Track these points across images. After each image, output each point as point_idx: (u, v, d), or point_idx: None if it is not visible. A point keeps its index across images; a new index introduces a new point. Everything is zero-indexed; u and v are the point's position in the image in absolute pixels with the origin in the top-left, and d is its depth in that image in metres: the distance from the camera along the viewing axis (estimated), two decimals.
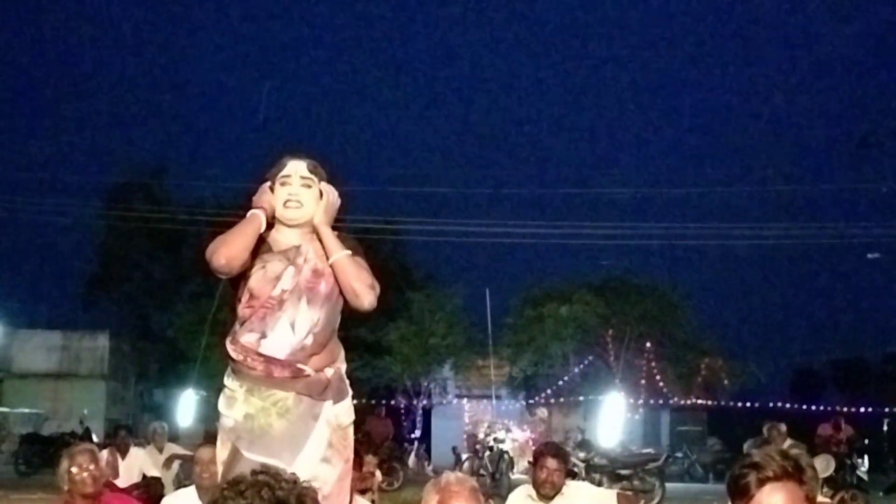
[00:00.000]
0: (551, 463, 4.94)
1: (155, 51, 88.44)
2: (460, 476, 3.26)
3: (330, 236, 3.27)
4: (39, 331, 27.30)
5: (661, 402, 24.94)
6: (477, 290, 23.34)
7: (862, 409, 24.87)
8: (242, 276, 3.22)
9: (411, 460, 20.45)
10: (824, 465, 9.03)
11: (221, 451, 3.21)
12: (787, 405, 25.94)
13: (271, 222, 3.27)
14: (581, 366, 24.68)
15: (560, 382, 24.55)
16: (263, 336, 3.16)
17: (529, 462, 4.86)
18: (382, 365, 23.79)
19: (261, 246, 3.23)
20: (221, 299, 20.85)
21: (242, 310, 3.23)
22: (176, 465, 9.07)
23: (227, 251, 3.12)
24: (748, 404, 24.95)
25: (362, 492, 7.50)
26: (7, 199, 26.89)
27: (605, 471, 14.17)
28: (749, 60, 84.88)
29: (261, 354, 3.15)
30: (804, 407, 25.63)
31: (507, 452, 18.05)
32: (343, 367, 3.36)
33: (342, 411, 3.26)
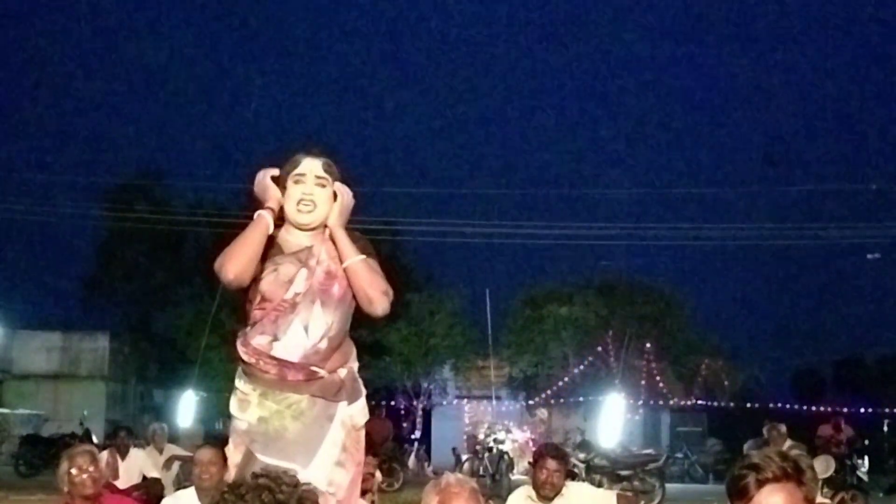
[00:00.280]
0: (551, 464, 4.93)
1: (155, 51, 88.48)
2: (460, 477, 3.26)
3: (344, 240, 3.20)
4: (39, 332, 27.30)
5: (661, 402, 24.95)
6: (477, 290, 23.43)
7: (862, 410, 24.87)
8: (253, 278, 3.15)
9: (411, 461, 20.45)
10: (824, 466, 9.03)
11: (234, 454, 3.17)
12: (788, 406, 25.94)
13: (280, 217, 3.20)
14: (581, 366, 24.68)
15: (560, 383, 24.56)
16: (276, 339, 3.11)
17: (529, 463, 4.86)
18: (382, 366, 23.79)
19: (271, 246, 3.17)
20: (221, 300, 20.89)
21: (253, 311, 3.17)
22: (176, 466, 9.05)
23: (234, 267, 3.06)
24: (748, 405, 24.96)
25: (362, 493, 7.50)
26: (7, 200, 26.89)
27: (605, 471, 14.18)
28: (749, 60, 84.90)
29: (273, 358, 3.11)
30: (804, 407, 25.64)
31: (506, 453, 18.06)
32: (356, 365, 3.32)
33: (357, 411, 3.24)
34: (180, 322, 25.10)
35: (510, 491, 5.62)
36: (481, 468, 17.17)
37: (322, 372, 3.14)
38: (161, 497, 6.06)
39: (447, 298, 24.55)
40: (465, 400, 26.00)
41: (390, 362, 23.91)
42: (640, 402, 24.34)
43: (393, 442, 19.57)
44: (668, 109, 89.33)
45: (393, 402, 24.73)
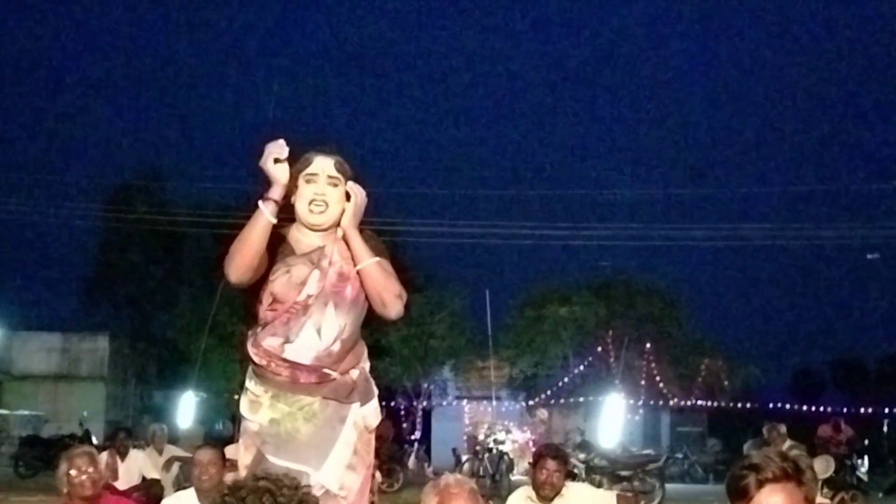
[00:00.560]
0: (551, 464, 4.93)
1: (155, 51, 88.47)
2: (459, 478, 3.25)
3: (358, 241, 3.15)
4: (39, 333, 27.30)
5: (660, 403, 24.95)
6: (477, 291, 23.41)
7: (862, 410, 24.88)
8: (263, 278, 3.10)
9: (411, 462, 20.44)
10: (824, 466, 9.04)
11: (244, 455, 3.14)
12: (787, 406, 25.94)
13: (287, 202, 3.10)
14: (581, 367, 24.67)
15: (560, 383, 24.55)
16: (287, 341, 3.07)
17: (529, 463, 4.85)
18: (382, 366, 23.77)
19: (282, 245, 3.13)
20: (221, 301, 20.89)
21: (264, 312, 3.12)
22: (175, 466, 9.04)
23: (237, 269, 3.02)
24: (748, 405, 24.96)
25: None
26: (6, 201, 26.88)
27: (605, 472, 14.19)
28: (747, 61, 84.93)
29: (285, 360, 3.07)
30: (804, 408, 25.65)
31: (506, 454, 18.05)
32: (367, 365, 3.30)
33: (370, 412, 3.23)
34: (180, 323, 25.08)
35: (510, 491, 5.62)
36: (481, 469, 17.17)
37: (334, 374, 3.12)
38: (160, 498, 6.06)
39: (447, 299, 24.54)
40: (465, 400, 26.00)
41: (390, 363, 23.91)
42: (640, 403, 24.34)
43: (393, 442, 19.57)
44: (667, 109, 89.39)
45: (393, 403, 24.71)
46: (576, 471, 13.29)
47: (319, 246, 3.15)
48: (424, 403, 25.06)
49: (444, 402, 25.82)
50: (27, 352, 26.56)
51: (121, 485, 8.22)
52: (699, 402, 25.07)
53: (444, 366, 25.16)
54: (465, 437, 24.40)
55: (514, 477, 17.39)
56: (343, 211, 3.16)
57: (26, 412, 24.07)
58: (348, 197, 3.17)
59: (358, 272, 3.15)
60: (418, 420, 24.52)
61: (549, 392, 24.54)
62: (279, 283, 3.09)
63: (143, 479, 8.75)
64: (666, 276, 27.89)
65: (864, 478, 15.87)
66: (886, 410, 26.58)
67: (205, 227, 27.43)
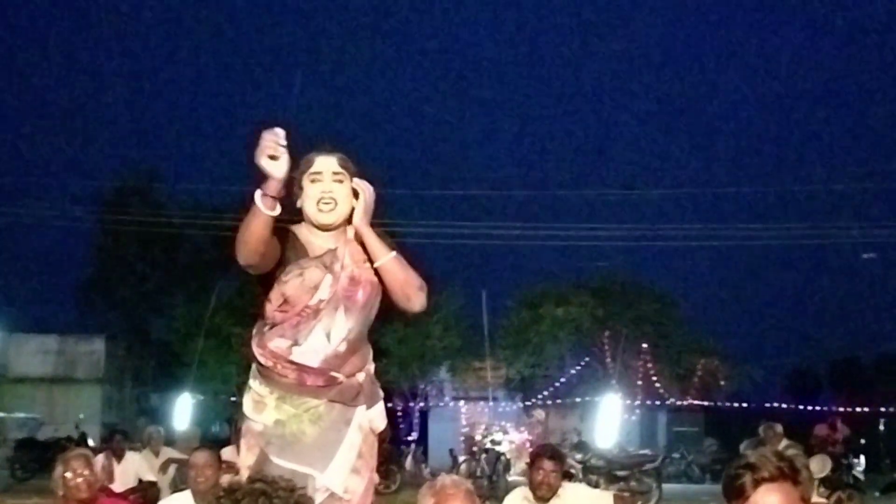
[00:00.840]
0: (548, 465, 4.94)
1: (151, 53, 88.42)
2: (455, 478, 3.25)
3: (373, 238, 3.13)
4: (35, 335, 27.25)
5: (657, 402, 24.97)
6: (473, 291, 23.34)
7: (858, 410, 24.93)
8: (273, 277, 3.07)
9: (408, 463, 20.42)
10: (821, 466, 9.03)
11: (247, 456, 3.11)
12: (784, 405, 25.98)
13: (288, 191, 3.02)
14: (578, 367, 24.69)
15: (557, 384, 24.56)
16: (296, 343, 3.05)
17: (526, 464, 4.84)
18: (379, 367, 23.53)
19: (294, 243, 3.09)
20: (217, 303, 20.88)
21: (273, 312, 3.09)
22: (172, 469, 9.03)
23: (242, 255, 2.94)
24: (744, 405, 24.99)
25: None
26: (2, 203, 26.86)
27: (601, 472, 14.20)
28: (743, 62, 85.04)
29: (292, 362, 3.05)
30: (800, 407, 25.69)
31: (503, 454, 18.06)
32: (372, 367, 3.30)
33: (376, 415, 3.21)
34: (176, 325, 25.06)
35: (507, 492, 5.62)
36: (478, 469, 17.17)
37: (341, 377, 3.10)
38: (157, 500, 6.05)
39: (444, 300, 24.51)
40: (462, 401, 25.99)
41: (387, 364, 23.89)
42: (637, 403, 24.36)
43: (389, 443, 19.55)
44: (660, 111, 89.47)
45: (390, 404, 24.59)
46: (573, 471, 13.28)
47: (331, 248, 3.12)
48: (421, 404, 25.05)
49: (441, 403, 25.82)
50: (23, 354, 26.50)
51: (117, 487, 8.20)
52: (696, 402, 25.10)
53: (440, 366, 25.15)
54: (462, 438, 24.39)
55: (511, 477, 17.39)
56: (352, 208, 3.14)
57: (22, 415, 24.01)
58: (356, 195, 3.14)
59: (376, 269, 3.13)
60: (415, 421, 24.51)
61: (545, 392, 24.55)
62: (291, 285, 3.05)
63: (140, 481, 8.74)
64: (662, 276, 28.03)
65: (861, 477, 15.89)
66: (883, 410, 26.62)
67: (201, 230, 27.42)
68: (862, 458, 17.06)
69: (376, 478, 3.36)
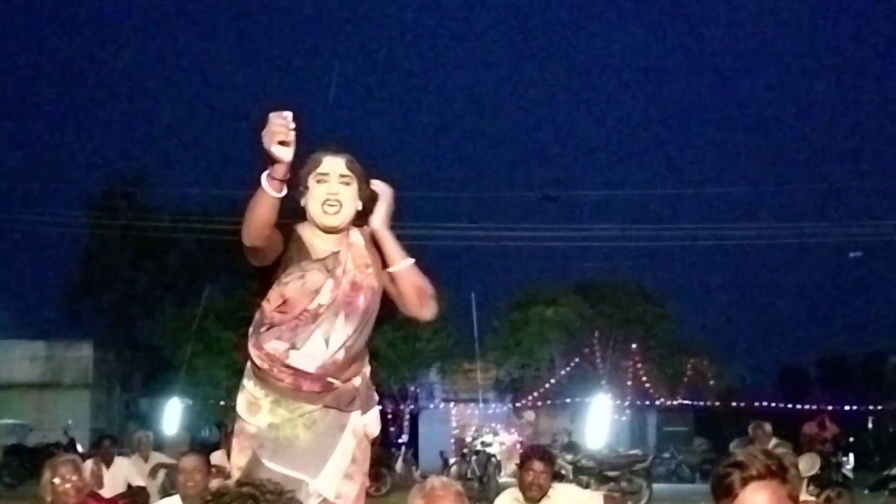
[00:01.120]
0: (538, 466, 4.94)
1: (138, 56, 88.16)
2: (445, 480, 3.25)
3: (392, 242, 3.10)
4: (22, 341, 27.07)
5: (647, 403, 25.02)
6: (463, 293, 23.33)
7: (847, 408, 25.01)
8: (272, 274, 3.03)
9: (399, 465, 20.40)
10: (810, 464, 9.07)
11: (239, 457, 3.09)
12: (773, 404, 26.04)
13: (294, 177, 2.97)
14: (567, 368, 24.71)
15: (547, 385, 24.57)
16: (293, 347, 3.01)
17: (517, 465, 4.84)
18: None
19: (297, 243, 3.06)
20: (206, 307, 20.80)
21: (271, 312, 3.05)
22: (161, 474, 9.01)
23: (247, 236, 2.87)
24: (734, 404, 25.04)
25: None
26: None
27: (592, 473, 14.23)
28: (736, 60, 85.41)
29: (289, 366, 3.01)
30: (789, 406, 25.76)
31: (494, 456, 18.06)
32: (368, 370, 3.26)
33: (371, 421, 3.20)
34: (165, 330, 24.92)
35: (498, 493, 5.63)
36: (469, 471, 17.16)
37: (337, 382, 3.07)
38: None
39: None
40: (452, 403, 25.98)
41: (377, 366, 23.79)
42: (627, 403, 24.40)
43: (380, 446, 19.52)
44: (652, 113, 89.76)
45: (379, 406, 24.60)
46: (563, 472, 13.31)
47: (334, 251, 3.08)
48: (411, 406, 25.01)
49: (431, 405, 25.80)
50: (10, 360, 26.32)
51: (106, 492, 8.16)
52: (685, 402, 25.16)
53: (430, 369, 25.12)
54: (452, 440, 24.39)
55: (502, 479, 17.39)
56: (356, 211, 3.10)
57: (10, 421, 23.86)
58: (373, 199, 3.11)
59: (393, 274, 3.10)
60: (405, 423, 24.46)
61: (535, 394, 24.56)
62: (292, 287, 3.02)
63: (129, 486, 8.72)
64: (651, 277, 28.02)
65: (850, 475, 15.98)
66: (871, 407, 26.75)
67: (189, 234, 27.35)
68: (851, 455, 17.14)
69: (367, 481, 3.34)
